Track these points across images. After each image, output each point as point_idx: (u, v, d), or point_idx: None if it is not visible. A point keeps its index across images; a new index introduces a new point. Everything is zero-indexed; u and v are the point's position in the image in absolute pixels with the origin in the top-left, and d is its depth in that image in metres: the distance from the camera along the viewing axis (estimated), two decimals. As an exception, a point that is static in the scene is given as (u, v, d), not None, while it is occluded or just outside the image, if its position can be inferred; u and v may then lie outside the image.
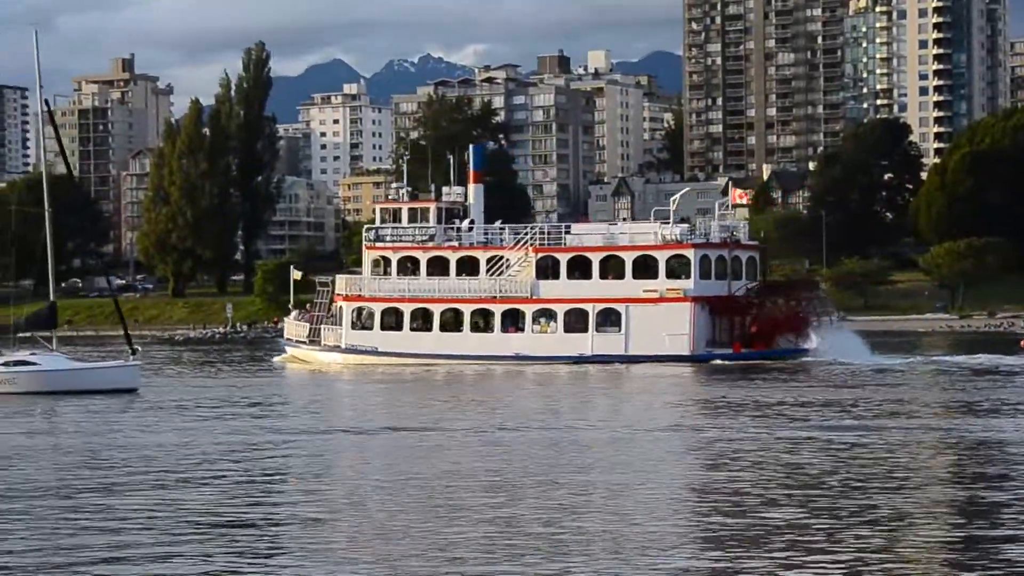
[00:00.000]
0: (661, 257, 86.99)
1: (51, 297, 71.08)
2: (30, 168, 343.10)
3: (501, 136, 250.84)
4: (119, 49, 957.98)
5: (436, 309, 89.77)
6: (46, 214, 70.58)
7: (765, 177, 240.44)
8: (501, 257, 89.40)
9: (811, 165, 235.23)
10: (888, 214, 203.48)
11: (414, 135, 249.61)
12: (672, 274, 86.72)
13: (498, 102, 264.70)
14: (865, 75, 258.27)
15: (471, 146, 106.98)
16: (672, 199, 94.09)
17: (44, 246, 69.73)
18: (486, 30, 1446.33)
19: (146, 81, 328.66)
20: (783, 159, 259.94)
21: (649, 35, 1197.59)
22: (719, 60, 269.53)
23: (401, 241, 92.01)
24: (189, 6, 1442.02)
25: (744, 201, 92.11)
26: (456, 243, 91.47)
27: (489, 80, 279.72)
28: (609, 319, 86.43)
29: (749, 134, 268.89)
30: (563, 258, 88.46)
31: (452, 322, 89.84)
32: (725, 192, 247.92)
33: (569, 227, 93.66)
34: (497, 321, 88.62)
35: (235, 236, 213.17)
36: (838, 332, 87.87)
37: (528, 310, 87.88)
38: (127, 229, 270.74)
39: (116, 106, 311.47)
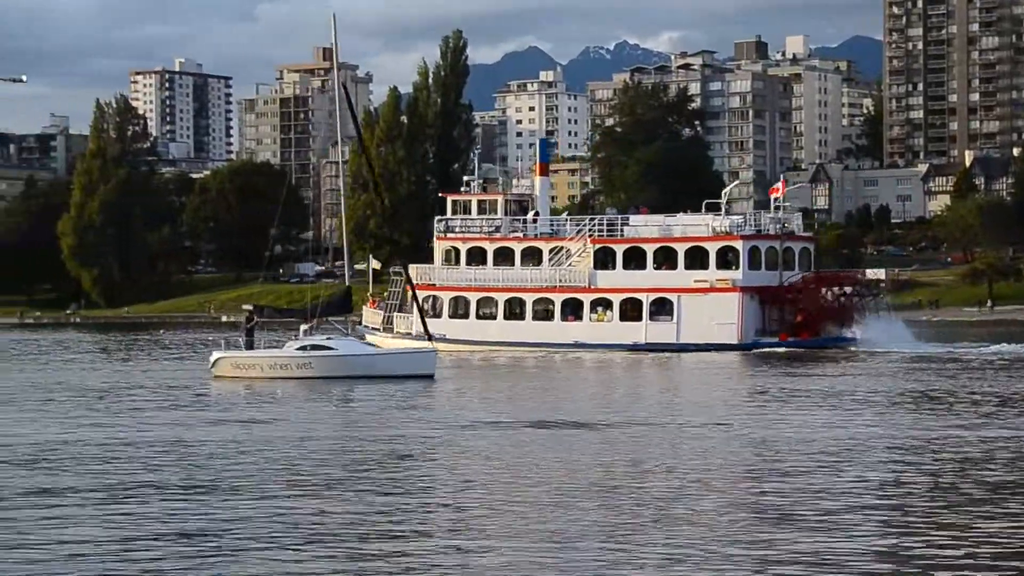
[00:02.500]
0: (712, 248, 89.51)
1: (347, 282, 72.83)
2: (233, 156, 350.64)
3: (697, 123, 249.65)
4: (319, 38, 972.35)
5: (500, 298, 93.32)
6: (342, 200, 72.87)
7: (967, 163, 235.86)
8: (563, 248, 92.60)
9: (1015, 151, 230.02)
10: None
11: (609, 122, 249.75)
12: (723, 265, 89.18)
13: (694, 88, 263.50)
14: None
15: (538, 140, 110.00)
16: (724, 192, 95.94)
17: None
18: (681, 16, 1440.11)
19: (346, 69, 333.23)
20: (986, 145, 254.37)
21: (848, 19, 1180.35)
22: (920, 44, 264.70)
23: (469, 232, 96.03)
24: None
25: (779, 195, 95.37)
26: (521, 234, 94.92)
27: (685, 66, 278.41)
28: (662, 308, 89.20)
29: (951, 120, 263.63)
30: (619, 249, 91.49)
31: (515, 310, 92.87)
32: (926, 179, 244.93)
33: (627, 219, 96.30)
34: (557, 310, 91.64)
35: (432, 223, 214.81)
36: (885, 321, 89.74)
37: (586, 299, 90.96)
38: (326, 216, 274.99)
39: (316, 95, 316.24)
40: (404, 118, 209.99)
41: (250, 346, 67.36)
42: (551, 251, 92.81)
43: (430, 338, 68.32)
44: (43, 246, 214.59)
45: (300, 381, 61.96)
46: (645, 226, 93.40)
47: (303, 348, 65.18)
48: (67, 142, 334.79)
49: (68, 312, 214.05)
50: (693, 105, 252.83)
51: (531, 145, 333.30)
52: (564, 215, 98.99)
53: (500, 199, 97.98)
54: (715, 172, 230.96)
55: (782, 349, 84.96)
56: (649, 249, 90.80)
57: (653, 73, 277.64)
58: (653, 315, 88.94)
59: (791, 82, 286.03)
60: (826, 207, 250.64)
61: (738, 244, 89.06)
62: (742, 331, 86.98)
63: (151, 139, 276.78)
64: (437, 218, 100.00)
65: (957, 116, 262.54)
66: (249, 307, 72.87)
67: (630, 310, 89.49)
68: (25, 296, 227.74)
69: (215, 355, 66.53)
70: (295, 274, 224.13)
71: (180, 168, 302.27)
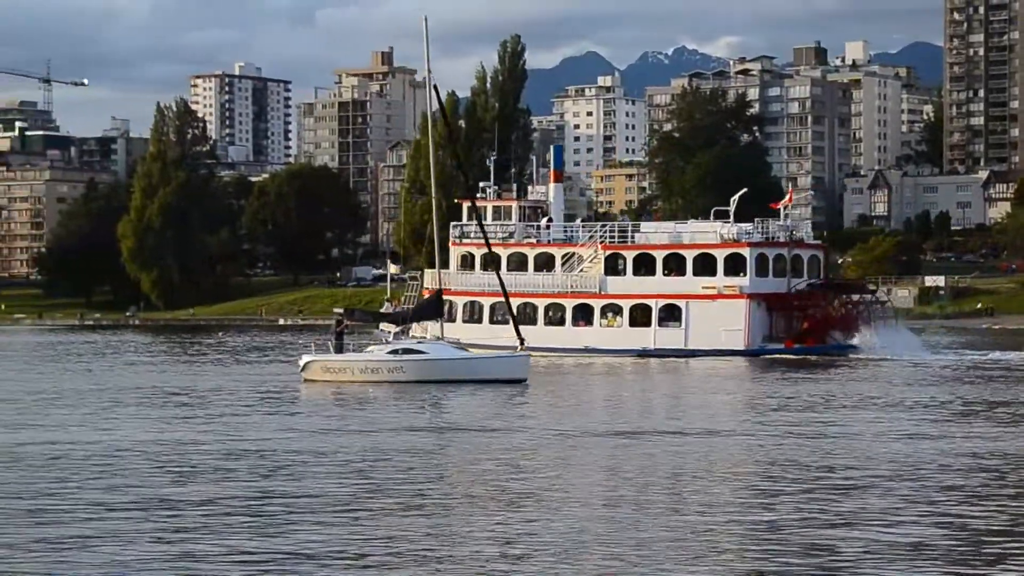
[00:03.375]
0: (719, 255, 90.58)
1: (438, 285, 73.80)
2: (291, 160, 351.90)
3: (755, 128, 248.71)
4: (378, 42, 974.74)
5: (513, 303, 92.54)
6: (432, 200, 73.64)
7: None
8: (574, 254, 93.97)
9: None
10: None
11: (667, 127, 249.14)
12: (731, 271, 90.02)
13: (753, 94, 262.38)
14: None
15: (552, 146, 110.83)
16: (732, 199, 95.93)
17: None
18: (740, 21, 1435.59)
19: (404, 74, 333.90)
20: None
21: (908, 26, 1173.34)
22: (982, 51, 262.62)
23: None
24: None
25: (789, 204, 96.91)
26: (535, 240, 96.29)
27: (744, 72, 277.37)
28: (671, 314, 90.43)
29: (1012, 126, 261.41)
30: (629, 255, 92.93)
31: (528, 315, 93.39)
32: (986, 186, 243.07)
33: (638, 226, 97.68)
34: (568, 315, 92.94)
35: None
36: (892, 330, 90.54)
37: (597, 305, 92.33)
38: (384, 220, 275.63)
39: (375, 99, 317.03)
40: (462, 122, 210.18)
41: (340, 350, 67.39)
42: (563, 257, 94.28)
43: (522, 343, 67.95)
44: (103, 248, 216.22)
45: (392, 385, 61.88)
46: (655, 233, 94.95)
47: (394, 352, 65.11)
48: (128, 145, 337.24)
49: (128, 314, 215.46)
50: (752, 111, 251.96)
51: (589, 150, 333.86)
52: (577, 221, 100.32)
53: (514, 205, 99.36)
54: (774, 178, 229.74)
55: (790, 356, 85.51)
56: (659, 256, 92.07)
57: (712, 78, 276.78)
58: (662, 321, 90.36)
59: (850, 88, 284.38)
60: (885, 214, 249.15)
61: (746, 251, 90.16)
62: (749, 338, 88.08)
63: (210, 142, 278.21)
64: (452, 223, 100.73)
65: (1018, 122, 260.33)
66: (340, 311, 73.30)
67: (639, 316, 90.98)
68: (84, 298, 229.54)
69: (305, 358, 66.35)
70: (352, 278, 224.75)
71: (239, 171, 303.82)
